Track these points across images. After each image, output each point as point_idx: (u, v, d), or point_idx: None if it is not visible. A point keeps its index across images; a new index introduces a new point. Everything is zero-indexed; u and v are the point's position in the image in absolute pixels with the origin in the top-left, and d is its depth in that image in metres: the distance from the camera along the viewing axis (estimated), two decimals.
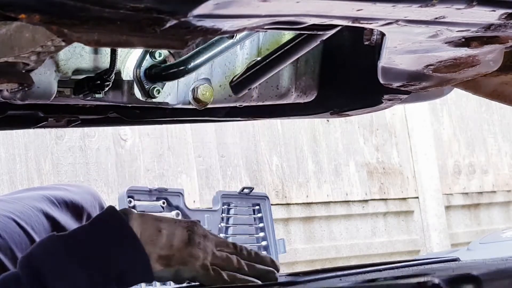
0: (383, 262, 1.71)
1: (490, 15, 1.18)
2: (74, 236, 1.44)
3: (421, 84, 1.58)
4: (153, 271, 1.42)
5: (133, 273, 1.42)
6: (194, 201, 4.86)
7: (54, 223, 1.70)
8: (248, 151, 5.27)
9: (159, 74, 1.62)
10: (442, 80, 1.55)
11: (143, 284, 3.93)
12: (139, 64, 1.62)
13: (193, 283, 1.50)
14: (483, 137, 6.64)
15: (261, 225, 4.43)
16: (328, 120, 5.53)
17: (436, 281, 1.16)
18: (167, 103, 1.68)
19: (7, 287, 1.38)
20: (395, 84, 1.59)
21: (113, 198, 4.28)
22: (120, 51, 1.57)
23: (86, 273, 1.38)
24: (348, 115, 1.96)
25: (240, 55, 1.73)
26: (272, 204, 4.61)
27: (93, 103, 1.65)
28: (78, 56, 1.55)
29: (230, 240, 4.29)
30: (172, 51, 1.61)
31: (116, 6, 1.03)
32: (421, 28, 1.22)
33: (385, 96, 1.81)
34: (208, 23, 1.09)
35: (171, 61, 1.63)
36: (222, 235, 4.27)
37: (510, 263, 1.56)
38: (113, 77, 1.55)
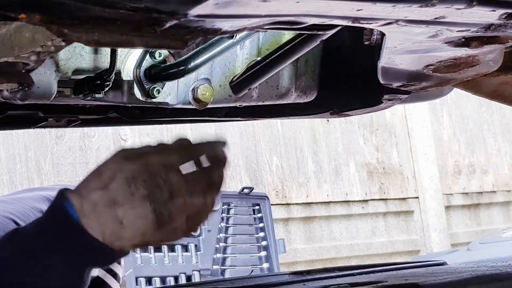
0: (366, 265, 1.74)
1: (490, 15, 1.17)
2: (27, 241, 1.34)
3: (421, 84, 1.57)
4: (130, 252, 1.36)
5: (104, 263, 1.40)
6: None
7: None
8: (248, 151, 5.27)
9: (159, 74, 1.62)
10: (442, 80, 1.55)
11: (143, 284, 3.93)
12: (139, 64, 1.61)
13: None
14: (483, 137, 6.64)
15: (261, 225, 4.43)
16: (328, 120, 5.52)
17: None
18: (167, 103, 1.68)
19: None
20: (395, 84, 1.59)
21: None
22: (120, 51, 1.57)
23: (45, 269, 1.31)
24: (348, 115, 1.96)
25: (240, 55, 1.73)
26: (272, 204, 4.61)
27: (93, 103, 1.65)
28: (78, 56, 1.54)
29: (230, 240, 4.30)
30: (172, 51, 1.61)
31: (116, 6, 1.03)
32: (421, 28, 1.22)
33: (385, 96, 1.81)
34: (208, 23, 1.09)
35: (171, 61, 1.63)
36: (222, 235, 4.27)
37: (481, 271, 1.57)
38: (113, 77, 1.55)
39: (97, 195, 1.31)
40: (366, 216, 5.84)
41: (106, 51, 1.56)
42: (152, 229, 1.31)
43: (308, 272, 1.74)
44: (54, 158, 4.50)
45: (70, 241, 1.31)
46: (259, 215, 4.43)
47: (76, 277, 1.34)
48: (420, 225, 6.11)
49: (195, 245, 4.15)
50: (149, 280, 3.97)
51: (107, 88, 1.55)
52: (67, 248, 1.31)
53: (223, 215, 4.30)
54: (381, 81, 1.58)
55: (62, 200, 1.33)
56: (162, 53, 1.62)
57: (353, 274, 1.60)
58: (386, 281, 1.38)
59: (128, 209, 1.29)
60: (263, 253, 4.38)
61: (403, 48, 1.37)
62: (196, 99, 1.68)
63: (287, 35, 1.66)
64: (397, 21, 1.16)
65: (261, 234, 4.41)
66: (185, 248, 4.13)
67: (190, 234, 1.37)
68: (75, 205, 1.31)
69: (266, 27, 1.17)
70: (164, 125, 4.50)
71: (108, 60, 1.54)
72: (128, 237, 1.31)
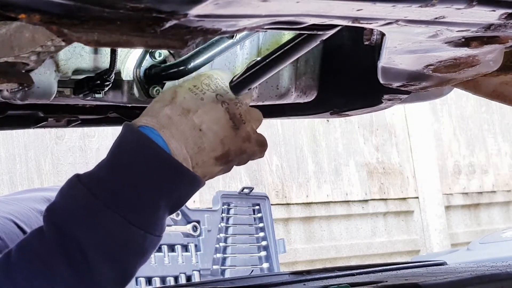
0: (366, 265, 1.75)
1: (490, 15, 1.18)
2: (99, 177, 1.31)
3: (421, 84, 1.57)
4: (213, 174, 1.32)
5: (184, 199, 1.31)
6: (194, 201, 4.86)
7: None
8: None
9: (159, 74, 1.62)
10: (442, 80, 1.55)
11: (143, 283, 3.93)
12: (139, 64, 1.62)
13: None
14: (483, 137, 6.64)
15: (261, 225, 4.43)
16: (328, 120, 5.53)
17: None
18: None
19: (30, 243, 1.31)
20: (395, 84, 1.59)
21: None
22: (120, 51, 1.57)
23: (116, 215, 1.27)
24: (348, 115, 1.96)
25: (240, 55, 1.73)
26: (272, 204, 4.61)
27: (93, 103, 1.65)
28: (78, 56, 1.55)
29: (230, 240, 4.30)
30: (172, 51, 1.61)
31: (116, 6, 1.03)
32: (421, 28, 1.22)
33: (385, 96, 1.81)
34: (208, 23, 1.09)
35: (171, 61, 1.64)
36: (222, 235, 4.27)
37: (481, 271, 1.57)
38: (113, 77, 1.55)
39: (168, 110, 1.31)
40: (366, 216, 5.84)
41: (106, 51, 1.56)
42: (229, 132, 1.32)
43: (308, 272, 1.74)
44: (54, 158, 4.50)
45: (153, 164, 1.28)
46: (259, 215, 4.43)
47: (155, 201, 1.28)
48: (420, 225, 6.11)
49: (195, 245, 4.15)
50: (149, 280, 3.97)
51: (107, 88, 1.55)
52: (150, 170, 1.27)
53: (223, 215, 4.30)
54: (381, 81, 1.58)
55: (132, 128, 1.30)
56: (162, 53, 1.62)
57: (353, 274, 1.61)
58: (386, 281, 1.38)
59: (203, 114, 1.31)
60: (263, 253, 4.39)
61: (403, 48, 1.37)
62: None
63: (287, 35, 1.66)
64: (397, 21, 1.16)
65: (261, 234, 4.42)
66: (185, 248, 4.13)
67: (261, 145, 1.38)
68: (152, 124, 1.30)
69: (266, 27, 1.17)
70: None
71: (108, 60, 1.54)
72: (209, 146, 1.30)
